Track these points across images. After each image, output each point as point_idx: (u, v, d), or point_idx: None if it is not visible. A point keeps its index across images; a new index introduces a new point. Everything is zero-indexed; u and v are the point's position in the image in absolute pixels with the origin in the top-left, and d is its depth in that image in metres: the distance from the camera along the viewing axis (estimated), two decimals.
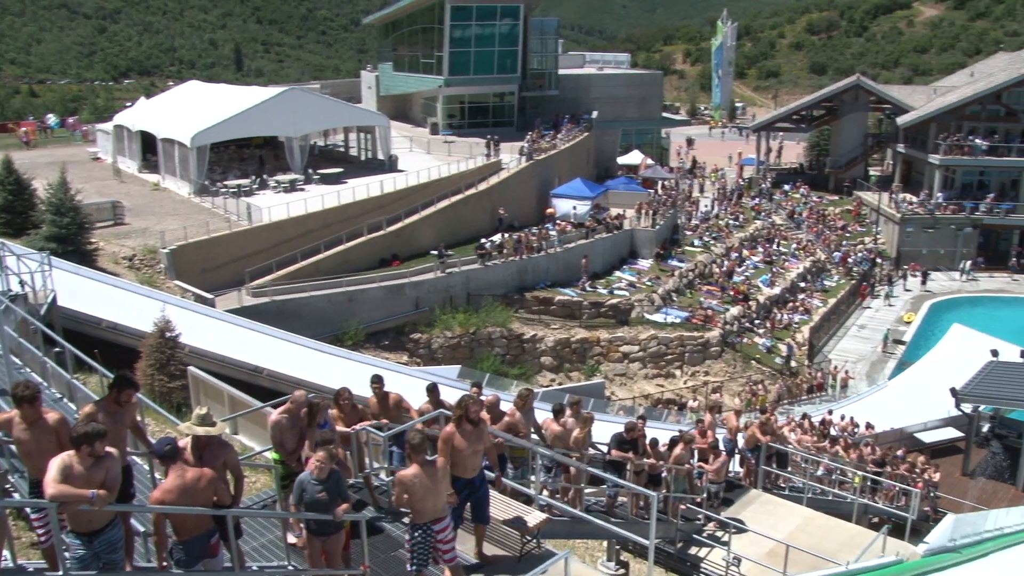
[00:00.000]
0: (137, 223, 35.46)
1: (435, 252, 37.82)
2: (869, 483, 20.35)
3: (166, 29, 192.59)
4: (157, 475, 9.40)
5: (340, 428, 10.90)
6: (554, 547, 11.22)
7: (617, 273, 43.07)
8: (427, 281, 36.43)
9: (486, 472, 10.30)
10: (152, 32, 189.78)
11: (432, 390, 12.02)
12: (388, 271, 36.38)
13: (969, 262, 55.71)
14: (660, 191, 54.62)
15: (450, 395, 14.00)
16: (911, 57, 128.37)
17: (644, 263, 44.17)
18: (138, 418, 9.50)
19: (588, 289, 40.30)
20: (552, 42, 62.54)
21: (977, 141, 58.56)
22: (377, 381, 11.80)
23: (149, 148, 45.06)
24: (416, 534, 8.82)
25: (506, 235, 40.94)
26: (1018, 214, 57.09)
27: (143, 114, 47.70)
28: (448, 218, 40.88)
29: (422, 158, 47.96)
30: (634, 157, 61.01)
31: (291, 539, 9.77)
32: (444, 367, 30.81)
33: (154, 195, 40.65)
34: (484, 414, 10.05)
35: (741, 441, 18.20)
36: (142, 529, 8.79)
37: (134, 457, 9.85)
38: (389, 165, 46.03)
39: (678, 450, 15.01)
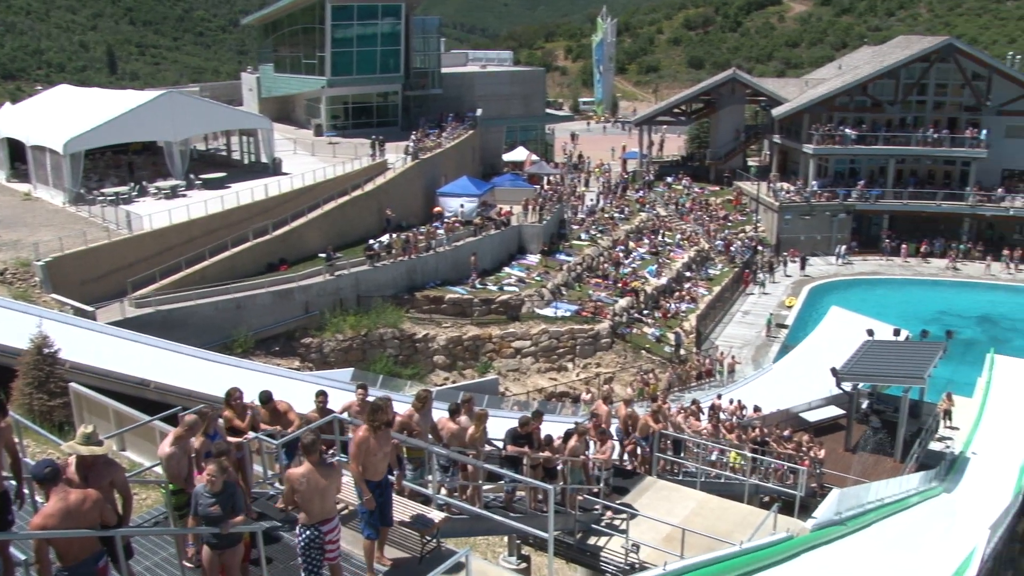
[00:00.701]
0: (7, 235, 33.65)
1: (323, 255, 37.26)
2: (756, 464, 21.03)
3: (31, 30, 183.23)
4: (39, 499, 8.98)
5: (231, 439, 10.66)
6: (455, 546, 11.23)
7: (506, 269, 43.32)
8: (316, 284, 35.90)
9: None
10: (16, 33, 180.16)
11: (320, 395, 12.11)
12: (276, 276, 35.68)
13: (844, 247, 58.31)
14: (546, 187, 55.15)
15: (343, 398, 13.90)
16: (783, 51, 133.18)
17: (532, 258, 44.55)
18: (15, 439, 9.05)
19: (478, 286, 40.40)
20: (434, 41, 62.38)
21: (847, 131, 61.26)
22: (267, 400, 11.81)
23: (17, 156, 42.91)
24: (305, 535, 8.81)
25: (394, 235, 40.66)
26: (887, 199, 60.05)
27: (9, 120, 45.28)
28: (335, 220, 40.33)
29: (307, 160, 47.16)
30: (519, 154, 61.45)
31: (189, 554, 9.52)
32: (336, 371, 30.43)
33: (25, 205, 38.71)
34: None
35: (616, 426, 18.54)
36: (23, 557, 8.38)
37: (12, 482, 9.36)
38: (273, 168, 45.08)
39: (572, 442, 15.19)
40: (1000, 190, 59.94)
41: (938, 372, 30.34)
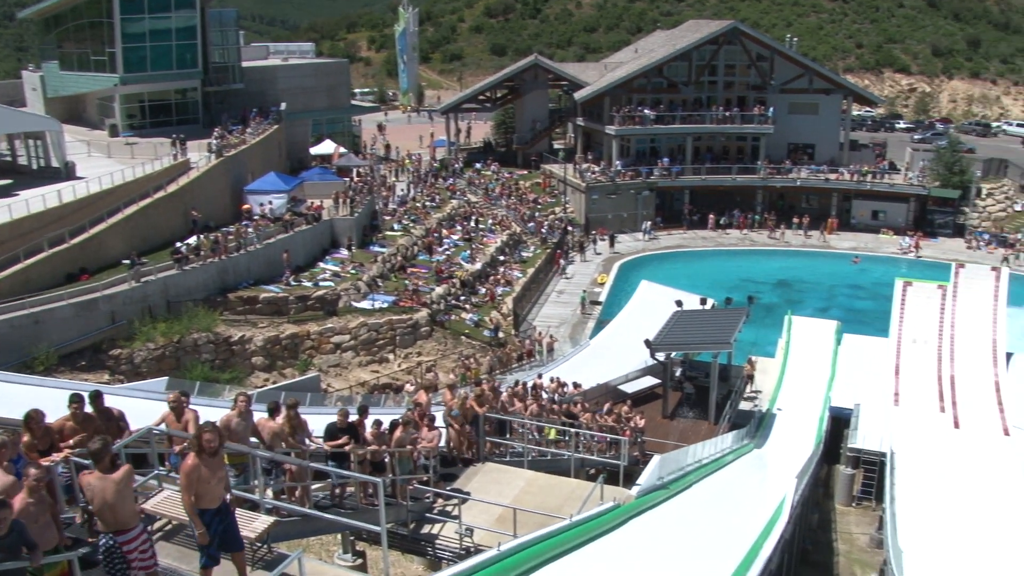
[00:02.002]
0: None
1: (127, 261, 35.13)
2: (569, 437, 21.49)
3: None
4: None
5: (35, 460, 9.72)
6: (287, 549, 10.85)
7: (320, 264, 42.42)
8: (122, 292, 33.86)
9: None
10: None
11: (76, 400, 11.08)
12: (77, 286, 33.36)
13: (649, 223, 60.73)
14: (356, 179, 54.38)
15: (159, 409, 13.04)
16: (582, 36, 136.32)
17: (346, 252, 43.79)
18: None
19: (293, 283, 39.33)
20: (233, 34, 60.12)
21: (646, 112, 63.82)
22: (76, 401, 10.83)
23: None
24: (102, 542, 8.55)
25: (202, 236, 38.92)
26: (687, 176, 62.99)
27: None
28: (138, 224, 38.10)
29: (103, 163, 44.24)
30: (327, 147, 60.26)
31: None
32: (150, 381, 28.75)
33: None
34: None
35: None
36: None
37: None
38: (66, 173, 42.03)
39: (398, 432, 15.00)
40: (787, 162, 64.18)
41: (743, 336, 32.14)
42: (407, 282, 42.34)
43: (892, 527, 23.76)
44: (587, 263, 55.62)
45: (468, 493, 16.10)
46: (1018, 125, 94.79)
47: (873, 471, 29.78)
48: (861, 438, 30.42)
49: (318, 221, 44.05)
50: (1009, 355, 36.55)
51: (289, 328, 37.09)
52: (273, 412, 13.02)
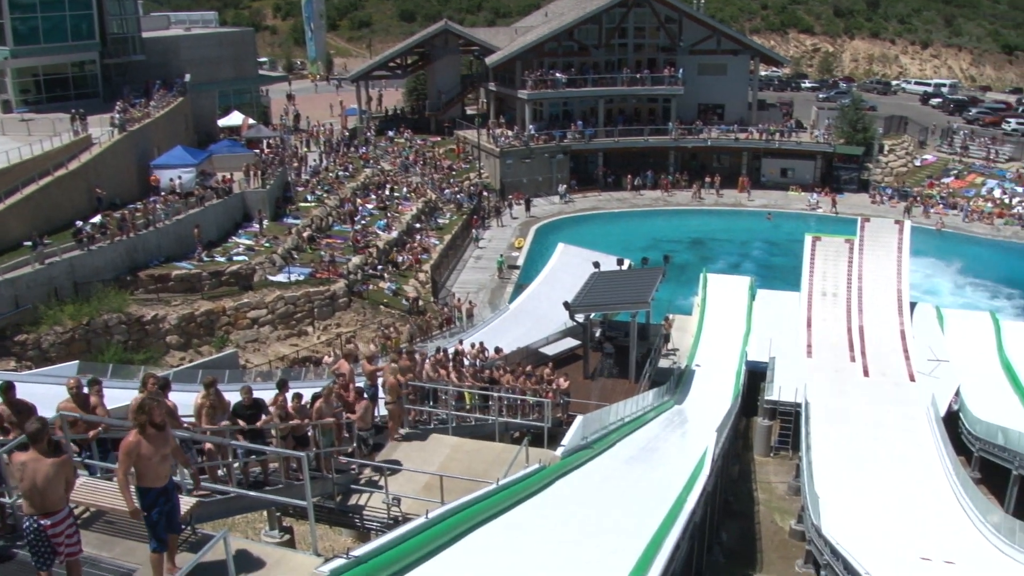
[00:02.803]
0: None
1: (29, 243, 33.67)
2: (489, 401, 21.55)
3: None
4: None
5: None
6: (212, 530, 10.60)
7: (233, 239, 41.43)
8: (24, 276, 32.44)
9: None
10: None
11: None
12: None
13: (564, 186, 61.00)
14: (266, 150, 53.18)
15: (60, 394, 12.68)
16: (492, 1, 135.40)
17: (259, 225, 42.86)
18: None
19: (205, 259, 38.34)
20: (131, 3, 57.56)
21: (557, 75, 63.80)
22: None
23: None
24: (26, 525, 8.45)
25: (108, 214, 37.57)
26: (600, 138, 63.33)
27: None
28: (39, 204, 36.43)
29: None
30: (235, 118, 58.64)
31: None
32: (60, 366, 27.69)
33: None
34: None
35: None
36: None
37: None
38: None
39: (318, 404, 14.78)
40: (698, 123, 65.03)
41: (660, 295, 32.59)
42: (323, 253, 41.71)
43: (808, 474, 24.60)
44: (504, 228, 55.63)
45: (395, 462, 16.02)
46: (916, 83, 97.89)
47: (789, 422, 30.70)
48: (776, 390, 31.22)
49: (229, 195, 42.96)
50: (913, 304, 38.05)
51: (204, 305, 36.20)
52: (209, 386, 13.06)
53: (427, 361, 22.10)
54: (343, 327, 37.60)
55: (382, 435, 17.44)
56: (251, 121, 58.95)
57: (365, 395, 16.98)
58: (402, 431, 17.62)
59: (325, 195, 50.16)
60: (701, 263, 47.68)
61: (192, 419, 13.02)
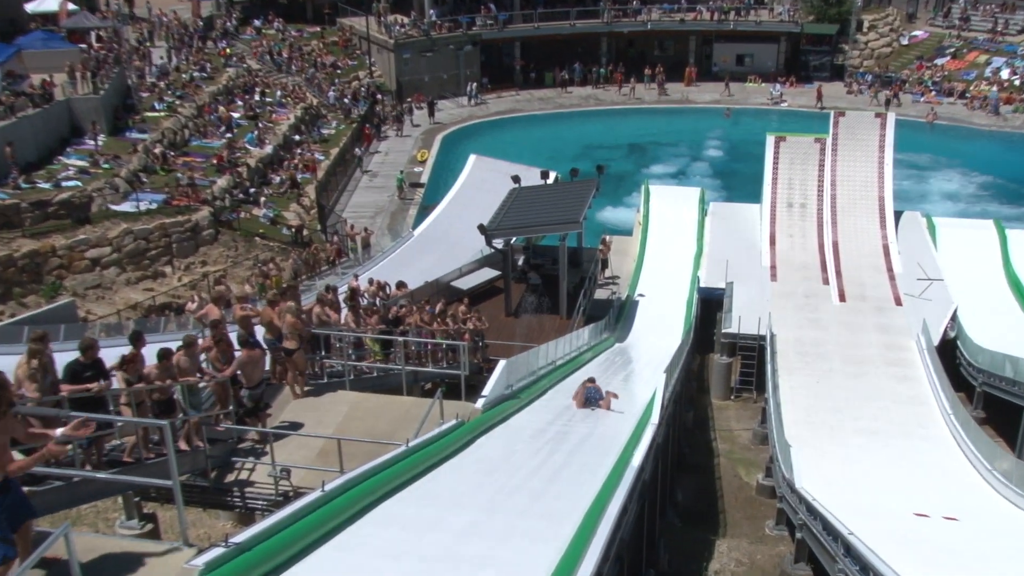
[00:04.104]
0: None
1: None
2: (392, 349, 21.52)
3: None
4: None
5: None
6: (52, 525, 10.28)
7: (60, 159, 40.11)
8: None
9: None
10: None
11: None
12: None
13: (475, 84, 60.49)
14: (96, 45, 51.40)
15: None
16: None
17: (93, 141, 41.54)
18: None
19: (24, 186, 37.05)
20: None
21: None
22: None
23: None
24: None
25: None
26: (516, 25, 62.64)
27: None
28: None
29: None
30: (49, 2, 56.38)
31: None
32: None
33: None
34: None
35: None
36: None
37: None
38: None
39: (177, 357, 14.45)
40: (635, 2, 64.62)
41: (593, 213, 32.85)
42: (180, 175, 40.72)
43: (776, 419, 25.16)
44: (403, 138, 55.16)
45: (283, 427, 15.94)
46: None
47: (752, 358, 31.36)
48: (736, 321, 31.83)
49: (50, 103, 41.42)
50: (898, 214, 38.84)
51: (26, 244, 35.07)
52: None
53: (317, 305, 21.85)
54: (210, 265, 37.03)
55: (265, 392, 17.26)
56: (71, 6, 56.67)
57: (235, 346, 16.63)
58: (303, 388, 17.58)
59: (178, 102, 48.77)
60: (642, 173, 48.12)
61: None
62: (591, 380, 21.19)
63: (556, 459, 15.90)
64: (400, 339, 21.46)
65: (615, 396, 20.89)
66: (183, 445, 14.27)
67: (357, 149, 52.43)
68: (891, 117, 42.21)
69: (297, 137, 50.00)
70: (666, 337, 30.74)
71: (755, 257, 36.84)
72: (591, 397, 20.61)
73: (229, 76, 55.33)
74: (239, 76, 55.91)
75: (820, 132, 41.70)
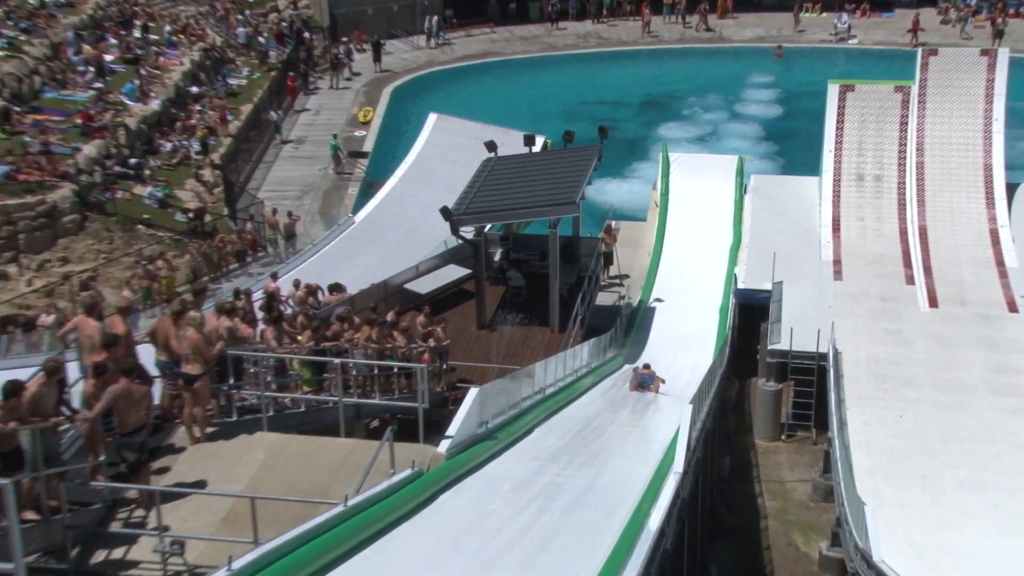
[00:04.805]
0: None
1: None
2: (325, 376, 21.43)
3: None
4: None
5: None
6: None
7: None
8: None
9: None
10: None
11: None
12: None
13: (436, 18, 60.46)
14: None
15: None
16: None
17: None
18: None
19: None
20: None
21: None
22: None
23: None
24: None
25: None
26: None
27: None
28: None
29: None
30: None
31: None
32: None
33: None
34: None
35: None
36: None
37: None
38: None
39: (30, 391, 14.26)
40: None
41: (594, 191, 32.76)
42: (29, 139, 40.54)
43: (845, 468, 24.87)
44: (339, 91, 55.21)
45: (177, 483, 15.83)
46: None
47: (809, 384, 31.06)
48: (787, 334, 31.58)
49: None
50: (1011, 188, 38.54)
51: None
52: None
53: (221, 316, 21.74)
54: (73, 263, 36.89)
55: (156, 435, 17.14)
56: None
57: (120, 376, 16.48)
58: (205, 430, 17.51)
59: (23, 37, 48.53)
60: (660, 137, 48.17)
61: None
62: (647, 367, 25.73)
63: (546, 520, 15.85)
64: (337, 361, 21.33)
65: (663, 381, 25.05)
66: (30, 515, 14.08)
67: (275, 110, 52.34)
68: (1003, 55, 41.16)
69: (195, 89, 49.92)
70: (692, 356, 30.73)
71: (812, 248, 36.79)
72: (644, 382, 24.14)
73: (96, 3, 55.10)
74: (110, 4, 55.70)
75: (903, 78, 41.37)
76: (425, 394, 20.65)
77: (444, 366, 25.42)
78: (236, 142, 46.77)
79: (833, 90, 41.10)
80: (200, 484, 15.91)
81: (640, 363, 25.15)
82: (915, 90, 40.21)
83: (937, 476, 25.41)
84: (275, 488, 15.36)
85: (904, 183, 38.59)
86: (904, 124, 39.85)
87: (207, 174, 43.21)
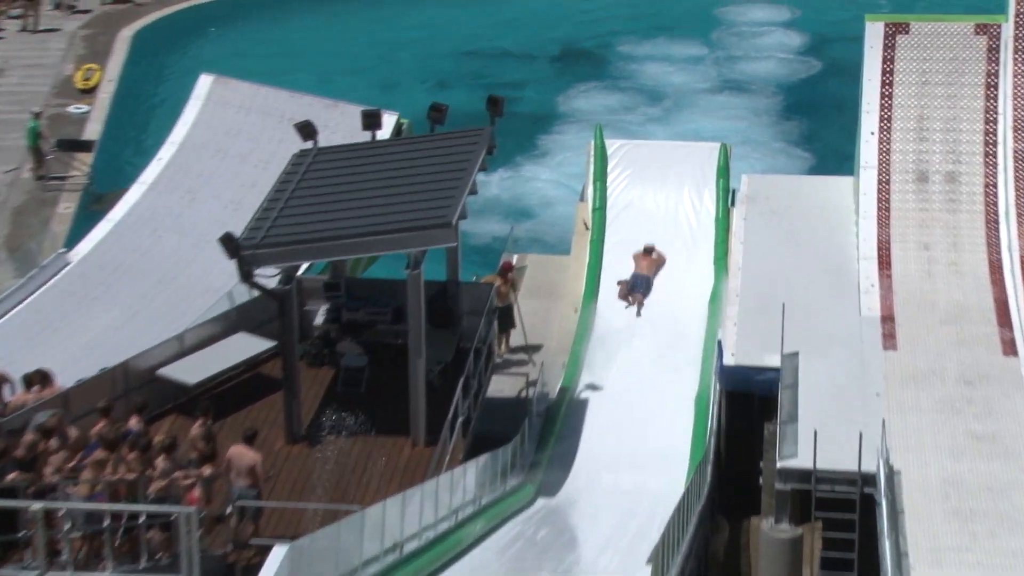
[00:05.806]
0: None
1: None
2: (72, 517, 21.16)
3: None
4: None
5: None
6: None
7: None
8: None
9: None
10: None
11: None
12: None
13: None
14: None
15: None
16: None
17: None
18: None
19: None
20: None
21: None
22: None
23: None
24: None
25: None
26: None
27: None
28: None
29: None
30: None
31: None
32: None
33: None
34: None
35: None
36: None
37: None
38: None
39: None
40: None
41: (480, 205, 32.67)
42: None
43: None
44: (40, 35, 55.04)
45: None
46: None
47: (848, 527, 30.98)
48: (808, 442, 31.47)
49: None
50: None
51: None
52: None
53: None
54: None
55: None
56: None
57: None
58: None
59: None
60: (589, 115, 48.40)
61: None
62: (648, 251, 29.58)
63: None
64: (38, 505, 21.00)
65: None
66: None
67: None
68: None
69: None
70: (650, 483, 30.63)
71: (847, 295, 36.72)
72: (637, 286, 27.53)
73: None
74: None
75: (988, 11, 41.36)
76: (193, 555, 20.35)
77: (232, 506, 25.10)
78: None
79: (875, 31, 40.49)
80: None
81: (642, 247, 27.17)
82: (1008, 31, 40.04)
83: None
84: None
85: (994, 185, 38.47)
86: (992, 87, 39.75)
87: None
